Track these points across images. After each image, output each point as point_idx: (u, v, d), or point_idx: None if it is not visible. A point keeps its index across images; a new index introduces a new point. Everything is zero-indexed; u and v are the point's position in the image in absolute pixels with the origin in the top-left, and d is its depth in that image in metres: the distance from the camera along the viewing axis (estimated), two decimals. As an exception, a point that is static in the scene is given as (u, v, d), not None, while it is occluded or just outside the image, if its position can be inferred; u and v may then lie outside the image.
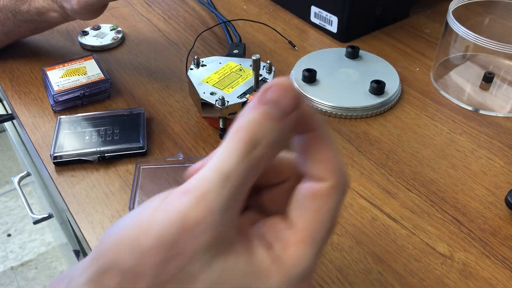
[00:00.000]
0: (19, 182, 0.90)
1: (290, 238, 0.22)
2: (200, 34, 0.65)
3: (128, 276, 0.20)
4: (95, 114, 0.54)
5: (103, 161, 0.49)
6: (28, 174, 0.91)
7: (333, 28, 0.67)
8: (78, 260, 0.77)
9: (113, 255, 0.21)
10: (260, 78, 0.51)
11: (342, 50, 0.63)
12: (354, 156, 0.50)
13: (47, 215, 0.83)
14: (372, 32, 0.70)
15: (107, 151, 0.49)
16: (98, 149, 0.49)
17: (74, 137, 0.51)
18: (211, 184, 0.20)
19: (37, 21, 0.58)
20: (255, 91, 0.49)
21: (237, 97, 0.48)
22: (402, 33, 0.70)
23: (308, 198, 0.22)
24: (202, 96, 0.49)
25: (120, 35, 0.67)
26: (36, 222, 0.83)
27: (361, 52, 0.62)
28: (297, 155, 0.23)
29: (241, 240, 0.22)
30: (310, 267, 0.22)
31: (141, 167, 0.48)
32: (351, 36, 0.68)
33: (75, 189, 0.47)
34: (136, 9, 0.75)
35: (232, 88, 0.50)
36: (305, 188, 0.23)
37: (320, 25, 0.69)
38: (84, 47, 0.66)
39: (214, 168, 0.20)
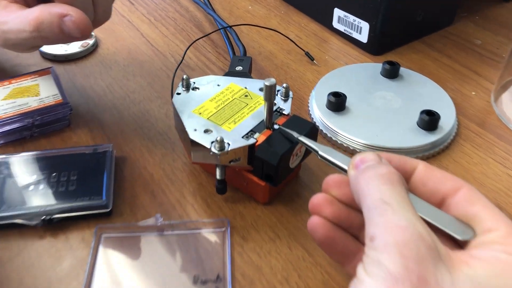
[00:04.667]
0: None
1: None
2: (193, 42, 0.51)
3: None
4: (45, 153, 0.39)
5: (50, 225, 0.35)
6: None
7: (363, 37, 0.53)
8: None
9: None
10: (274, 108, 0.36)
11: (377, 67, 0.48)
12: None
13: None
14: (409, 43, 0.56)
15: (57, 211, 0.34)
16: (44, 208, 0.35)
17: (12, 187, 0.36)
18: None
19: None
20: (267, 128, 0.35)
21: (242, 137, 0.34)
22: (447, 44, 0.56)
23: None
24: (192, 135, 0.34)
25: (91, 41, 0.53)
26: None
27: (401, 69, 0.48)
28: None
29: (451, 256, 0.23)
30: None
31: (102, 235, 0.34)
32: (385, 48, 0.54)
33: (5, 270, 0.32)
34: (115, 8, 0.60)
35: (235, 123, 0.36)
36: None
37: (345, 32, 0.55)
38: (45, 56, 0.52)
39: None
